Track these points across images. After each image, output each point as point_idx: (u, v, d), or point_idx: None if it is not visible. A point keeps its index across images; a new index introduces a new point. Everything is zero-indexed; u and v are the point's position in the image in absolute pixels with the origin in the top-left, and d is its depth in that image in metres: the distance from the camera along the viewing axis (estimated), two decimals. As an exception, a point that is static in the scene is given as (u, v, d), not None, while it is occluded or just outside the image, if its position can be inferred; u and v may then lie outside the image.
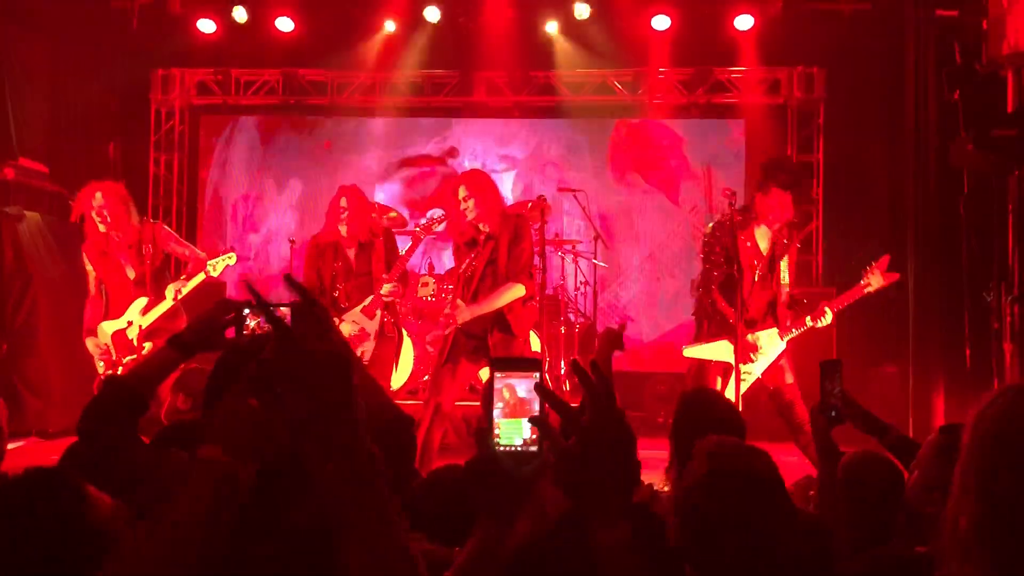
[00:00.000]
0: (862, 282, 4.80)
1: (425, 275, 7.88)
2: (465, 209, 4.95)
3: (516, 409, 1.37)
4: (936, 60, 5.90)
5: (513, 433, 1.35)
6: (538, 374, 1.40)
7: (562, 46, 8.65)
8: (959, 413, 5.65)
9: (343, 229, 5.33)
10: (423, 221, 5.73)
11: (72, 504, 1.56)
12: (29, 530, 1.55)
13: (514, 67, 8.72)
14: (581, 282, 8.21)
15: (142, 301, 5.42)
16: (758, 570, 1.54)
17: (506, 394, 1.36)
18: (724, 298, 4.90)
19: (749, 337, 4.84)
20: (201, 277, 5.43)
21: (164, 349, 2.25)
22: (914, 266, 6.49)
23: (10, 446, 2.67)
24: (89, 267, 5.55)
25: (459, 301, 4.93)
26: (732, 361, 4.82)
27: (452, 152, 9.16)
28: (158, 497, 1.99)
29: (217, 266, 5.46)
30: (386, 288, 5.28)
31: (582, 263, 8.22)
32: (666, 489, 2.87)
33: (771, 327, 4.95)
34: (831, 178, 8.50)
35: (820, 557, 2.02)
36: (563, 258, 8.08)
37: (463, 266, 5.08)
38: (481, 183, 5.00)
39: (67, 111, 8.29)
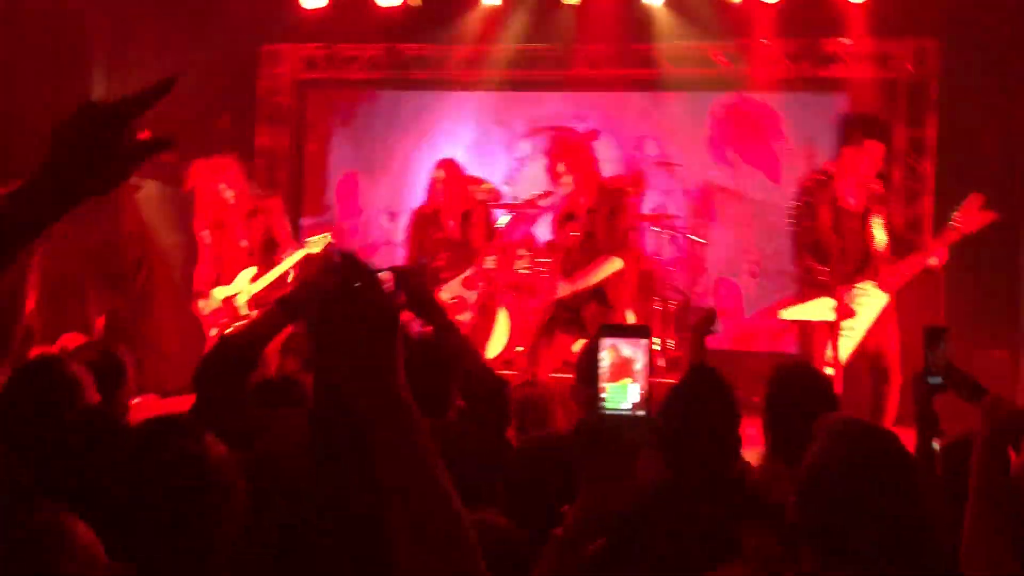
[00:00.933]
0: (949, 226, 4.78)
1: (520, 248, 7.93)
2: (564, 184, 5.00)
3: (621, 370, 1.39)
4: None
5: (619, 397, 1.37)
6: (646, 340, 1.42)
7: (663, 17, 8.52)
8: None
9: (440, 201, 5.44)
10: (523, 199, 5.77)
11: (194, 449, 1.65)
12: (154, 474, 1.64)
13: (614, 40, 8.63)
14: (678, 259, 8.13)
15: (252, 270, 5.66)
16: (885, 555, 1.52)
17: (611, 355, 1.38)
18: (815, 258, 4.86)
19: (847, 294, 4.78)
20: (302, 252, 5.62)
21: (272, 311, 2.35)
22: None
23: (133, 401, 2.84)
24: (205, 235, 5.80)
25: (560, 282, 4.99)
26: (831, 319, 4.78)
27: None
28: (269, 454, 2.09)
29: (317, 243, 5.66)
30: (489, 261, 5.36)
31: (679, 239, 8.14)
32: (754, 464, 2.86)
33: (867, 280, 4.86)
34: (943, 156, 8.17)
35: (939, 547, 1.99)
36: (660, 234, 8.01)
37: (562, 238, 5.13)
38: (579, 157, 5.03)
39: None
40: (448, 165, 5.53)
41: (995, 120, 7.59)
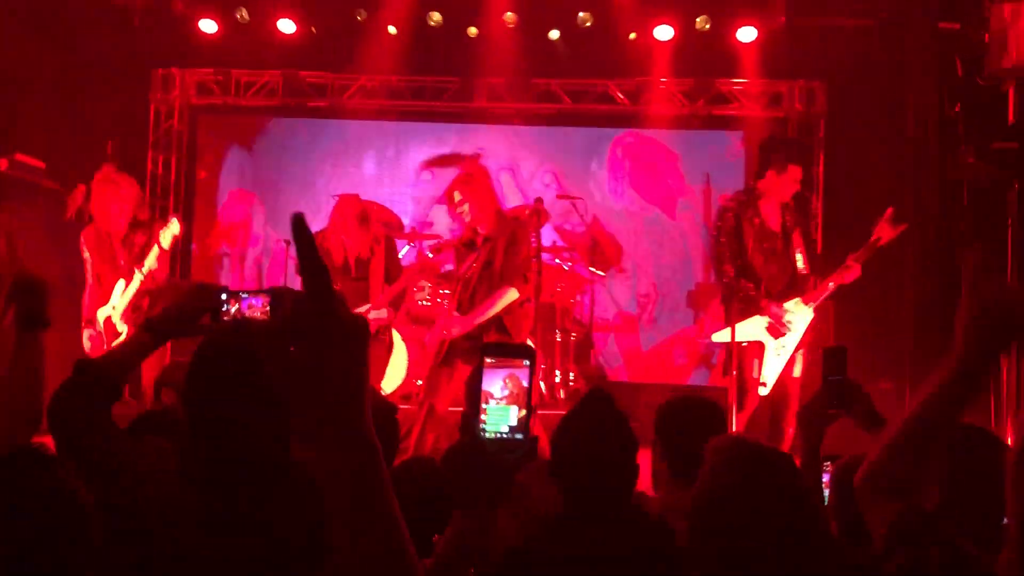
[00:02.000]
0: (872, 238, 4.99)
1: (421, 281, 7.84)
2: (461, 213, 4.96)
3: (505, 396, 1.34)
4: (938, 74, 5.89)
5: (500, 420, 1.32)
6: (529, 361, 1.37)
7: (564, 54, 8.63)
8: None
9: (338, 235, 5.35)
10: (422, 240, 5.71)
11: (53, 481, 1.52)
12: (11, 506, 1.51)
13: (515, 74, 8.69)
14: (578, 292, 8.17)
15: (122, 283, 5.50)
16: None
17: (497, 382, 1.33)
18: (743, 277, 4.94)
19: (774, 308, 4.86)
20: (156, 251, 5.46)
21: (137, 333, 2.21)
22: (913, 280, 6.46)
23: None
24: (86, 254, 5.62)
25: (455, 313, 4.92)
26: (763, 339, 4.83)
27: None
28: (134, 484, 1.95)
29: (165, 236, 5.49)
30: (374, 314, 5.29)
31: (578, 270, 8.18)
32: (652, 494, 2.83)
33: (795, 297, 4.96)
34: (831, 192, 8.47)
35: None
36: (560, 266, 8.04)
37: (462, 269, 5.07)
38: (475, 186, 4.99)
39: (66, 108, 8.26)
40: (343, 201, 5.48)
41: (878, 157, 7.91)
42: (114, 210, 5.55)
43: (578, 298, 8.17)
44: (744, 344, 4.96)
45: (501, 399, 1.32)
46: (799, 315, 4.92)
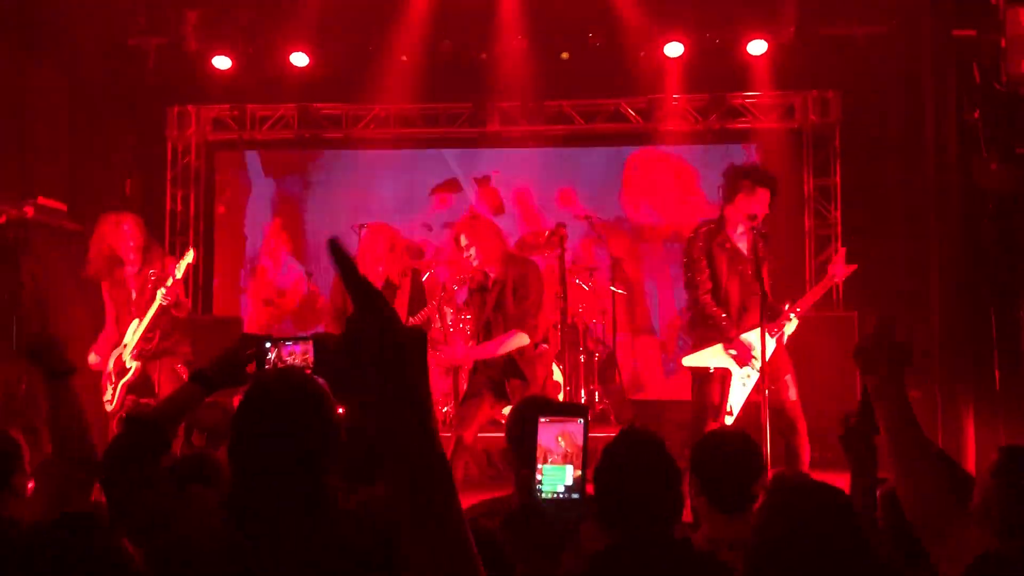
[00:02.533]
0: (827, 276, 5.20)
1: (444, 307, 7.85)
2: (468, 257, 5.01)
3: (561, 456, 1.34)
4: (955, 80, 5.86)
5: (556, 480, 1.32)
6: (583, 420, 1.37)
7: (574, 74, 8.65)
8: (991, 435, 5.55)
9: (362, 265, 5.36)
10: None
11: (104, 546, 1.52)
12: (62, 571, 1.51)
13: (527, 96, 8.72)
14: (600, 310, 8.16)
15: (135, 323, 5.55)
16: None
17: (554, 441, 1.32)
18: (716, 303, 4.98)
19: (743, 337, 4.88)
20: (170, 282, 5.53)
21: (187, 385, 2.24)
22: (939, 288, 6.40)
23: (30, 485, 2.64)
24: (105, 298, 5.71)
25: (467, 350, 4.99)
26: (729, 366, 4.88)
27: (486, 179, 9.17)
28: (184, 535, 1.95)
29: (180, 268, 5.55)
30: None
31: (600, 290, 8.17)
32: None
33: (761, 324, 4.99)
34: (849, 202, 8.45)
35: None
36: (581, 286, 8.03)
37: (476, 313, 5.12)
38: (480, 230, 5.05)
39: (85, 149, 8.35)
40: (370, 232, 5.49)
41: (895, 166, 7.88)
42: (122, 249, 5.64)
43: (599, 319, 8.15)
44: (711, 370, 4.99)
45: (556, 458, 1.32)
46: (766, 343, 4.93)
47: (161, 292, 5.47)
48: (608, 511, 2.04)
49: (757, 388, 4.93)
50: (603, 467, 2.12)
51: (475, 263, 5.00)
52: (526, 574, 1.35)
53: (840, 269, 5.23)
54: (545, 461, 1.32)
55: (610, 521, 2.01)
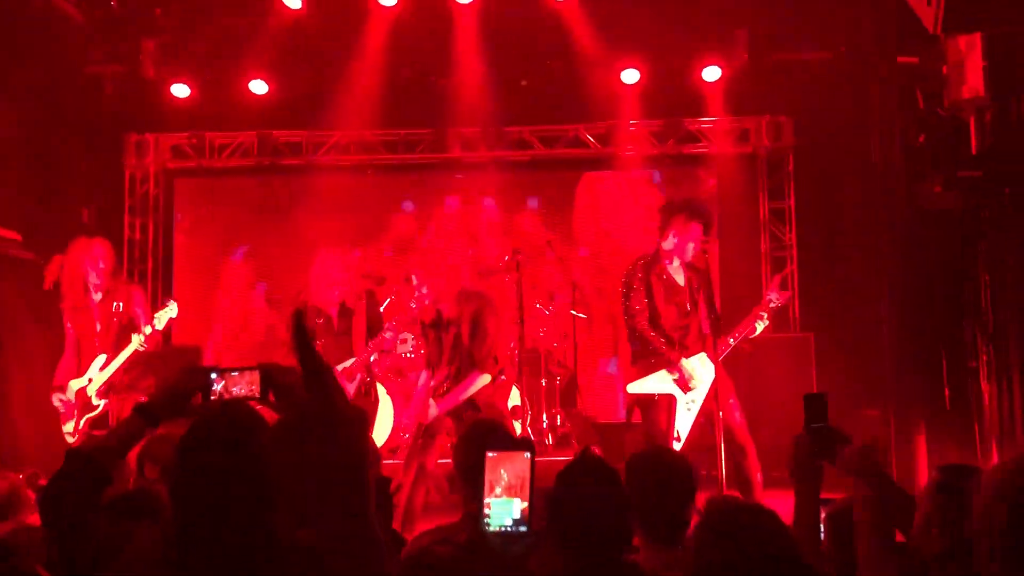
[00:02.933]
0: (764, 300, 5.24)
1: (403, 332, 7.85)
2: (419, 296, 5.05)
3: (508, 489, 1.36)
4: (899, 105, 6.02)
5: (504, 513, 1.34)
6: (529, 454, 1.40)
7: (535, 100, 8.75)
8: (941, 452, 5.67)
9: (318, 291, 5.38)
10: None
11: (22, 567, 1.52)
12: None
13: (488, 123, 8.79)
14: (562, 335, 8.20)
15: (101, 358, 5.52)
16: None
17: (500, 475, 1.35)
18: (653, 331, 5.09)
19: (683, 363, 5.00)
20: (148, 331, 5.43)
21: (130, 419, 2.21)
22: (889, 308, 6.54)
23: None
24: (68, 325, 5.63)
25: (430, 401, 5.00)
26: (672, 391, 4.98)
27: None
28: (120, 571, 1.94)
29: (161, 319, 5.46)
30: (341, 366, 5.30)
31: (561, 314, 8.22)
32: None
33: (699, 351, 5.09)
34: (803, 224, 8.60)
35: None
36: (542, 311, 8.07)
37: (430, 349, 5.15)
38: (430, 268, 5.09)
39: (40, 177, 8.26)
40: (324, 256, 5.51)
41: (847, 188, 8.04)
42: (91, 274, 5.56)
43: (560, 342, 8.19)
44: (656, 397, 5.09)
45: (502, 492, 1.34)
46: (704, 370, 5.07)
47: (139, 339, 5.40)
48: (560, 535, 2.07)
49: (703, 412, 5.03)
50: (556, 493, 2.16)
51: (427, 302, 5.06)
52: None
53: (777, 295, 5.29)
54: (492, 494, 1.34)
55: (562, 545, 2.05)
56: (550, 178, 9.16)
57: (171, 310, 5.56)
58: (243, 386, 2.19)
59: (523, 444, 1.37)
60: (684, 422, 5.02)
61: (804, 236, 8.58)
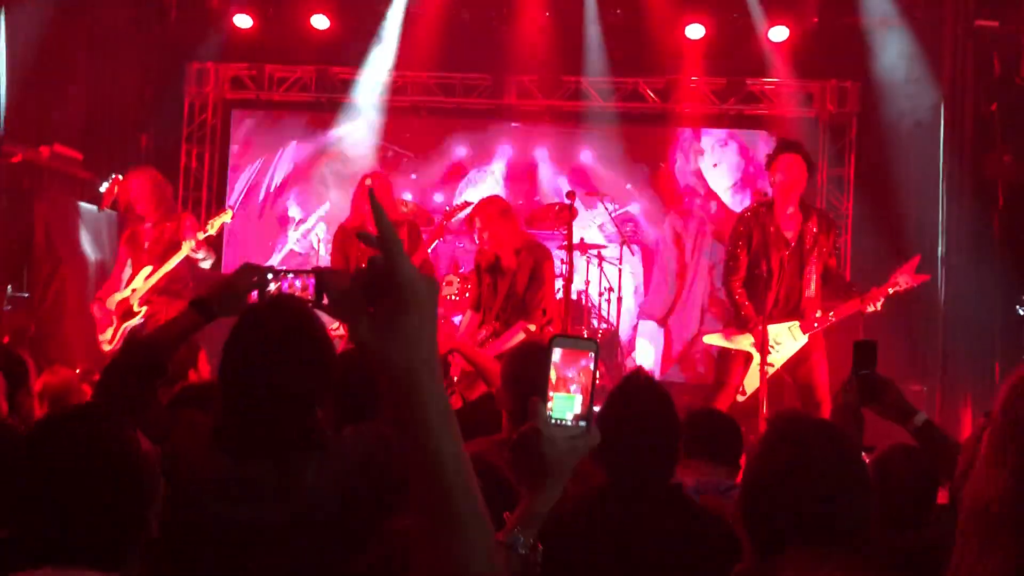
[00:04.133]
0: (890, 281, 4.74)
1: (449, 274, 7.88)
2: (482, 240, 5.03)
3: (570, 384, 1.38)
4: (974, 72, 5.85)
5: (565, 408, 1.36)
6: (594, 353, 1.41)
7: (595, 51, 8.64)
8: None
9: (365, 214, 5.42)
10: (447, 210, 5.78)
11: (121, 438, 1.55)
12: (83, 458, 1.53)
13: (546, 71, 8.72)
14: (606, 288, 8.17)
15: (147, 269, 5.59)
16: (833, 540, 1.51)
17: (565, 370, 1.36)
18: (748, 292, 4.89)
19: (770, 328, 4.77)
20: (201, 236, 5.51)
21: (186, 312, 2.24)
22: (945, 281, 6.41)
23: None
24: (121, 250, 5.78)
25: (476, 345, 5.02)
26: (750, 351, 4.83)
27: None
28: (173, 454, 1.99)
29: (214, 224, 5.51)
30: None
31: (607, 268, 8.18)
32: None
33: (793, 320, 4.88)
34: (861, 193, 8.43)
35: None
36: (588, 263, 8.04)
37: (483, 292, 5.15)
38: (495, 216, 5.04)
39: (102, 100, 8.38)
40: (377, 176, 5.52)
41: (910, 158, 7.85)
42: (143, 198, 5.68)
43: (606, 295, 8.16)
44: (732, 351, 4.97)
45: (567, 387, 1.36)
46: (791, 338, 4.85)
47: (191, 244, 5.45)
48: (609, 455, 2.08)
49: (780, 372, 4.90)
50: (608, 411, 2.16)
51: (487, 247, 5.05)
52: (531, 494, 1.39)
53: (907, 279, 4.73)
54: (556, 389, 1.36)
55: (611, 464, 2.06)
56: (607, 131, 9.04)
57: (225, 216, 5.60)
58: (297, 290, 2.22)
59: (588, 344, 1.37)
60: (754, 380, 4.90)
61: (860, 205, 8.41)
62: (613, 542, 1.89)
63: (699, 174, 8.99)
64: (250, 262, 2.35)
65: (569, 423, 1.35)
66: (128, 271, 5.78)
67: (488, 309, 5.13)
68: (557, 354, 1.36)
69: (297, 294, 2.22)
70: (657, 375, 8.53)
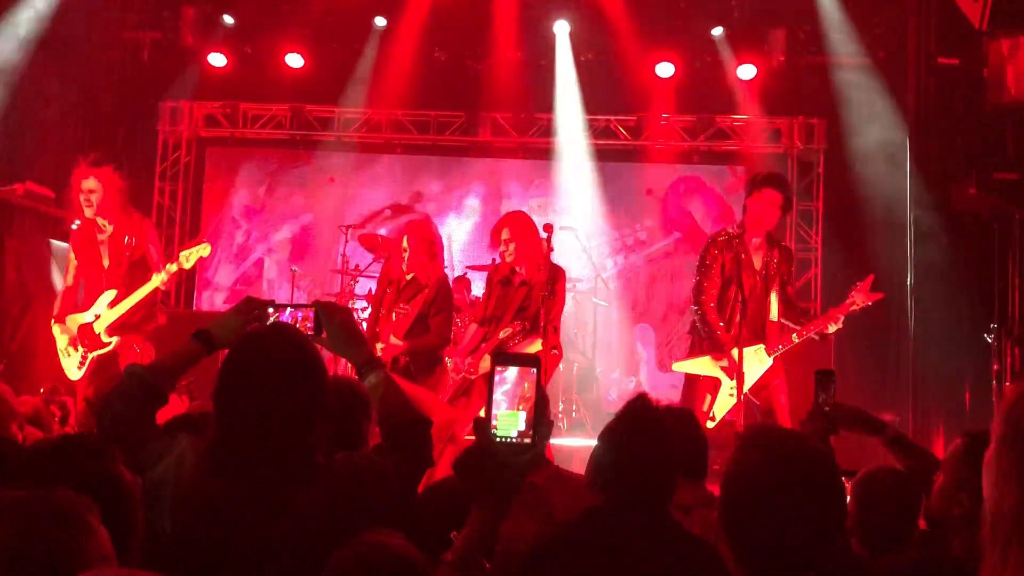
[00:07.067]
0: (847, 300, 4.80)
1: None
2: (504, 251, 5.05)
3: (514, 400, 1.42)
4: (937, 108, 6.02)
5: (509, 425, 1.39)
6: (535, 369, 1.45)
7: (567, 89, 8.77)
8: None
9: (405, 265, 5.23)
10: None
11: (106, 464, 1.56)
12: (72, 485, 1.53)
13: (519, 109, 8.83)
14: (582, 322, 8.22)
15: (111, 294, 5.19)
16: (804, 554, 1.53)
17: (506, 385, 1.40)
18: (716, 314, 4.93)
19: (734, 352, 4.78)
20: (173, 268, 5.09)
21: (188, 343, 2.25)
22: (914, 311, 6.53)
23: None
24: (72, 256, 5.38)
25: (486, 356, 4.99)
26: (719, 376, 4.87)
27: (417, 197, 9.19)
28: (164, 479, 1.99)
29: (190, 257, 5.09)
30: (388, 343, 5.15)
31: (582, 302, 8.24)
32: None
33: (758, 344, 4.94)
34: (830, 226, 8.58)
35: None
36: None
37: (491, 304, 5.14)
38: (524, 228, 5.08)
39: (75, 138, 8.35)
40: (420, 225, 5.43)
41: (876, 195, 8.01)
42: (110, 196, 5.21)
43: (581, 331, 8.21)
44: (700, 377, 4.98)
45: (510, 404, 1.40)
46: (757, 362, 4.90)
47: (162, 277, 5.04)
48: (604, 470, 2.08)
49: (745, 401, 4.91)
50: (605, 449, 2.17)
51: (510, 258, 5.05)
52: (480, 511, 1.42)
53: (863, 296, 4.78)
54: (499, 408, 1.40)
55: (603, 480, 2.07)
56: (579, 167, 9.12)
57: (203, 249, 5.14)
58: (297, 321, 2.24)
59: (530, 360, 1.42)
60: (723, 406, 4.91)
61: (829, 239, 8.56)
62: (603, 566, 1.89)
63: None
64: (252, 296, 2.38)
65: (514, 440, 1.38)
66: (83, 289, 5.36)
67: (497, 320, 5.13)
68: (499, 373, 1.41)
69: (297, 326, 2.24)
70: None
